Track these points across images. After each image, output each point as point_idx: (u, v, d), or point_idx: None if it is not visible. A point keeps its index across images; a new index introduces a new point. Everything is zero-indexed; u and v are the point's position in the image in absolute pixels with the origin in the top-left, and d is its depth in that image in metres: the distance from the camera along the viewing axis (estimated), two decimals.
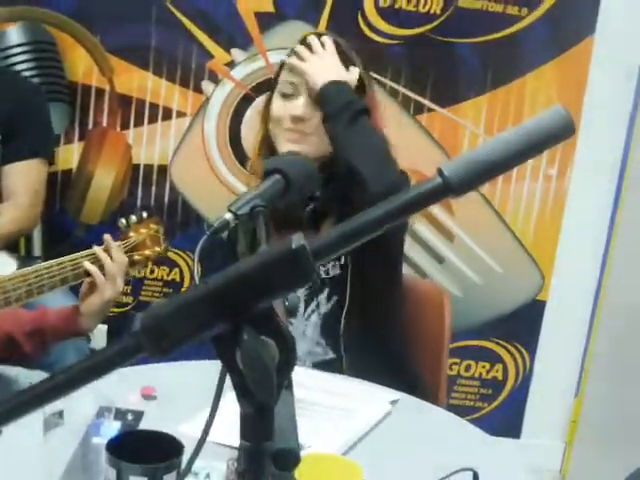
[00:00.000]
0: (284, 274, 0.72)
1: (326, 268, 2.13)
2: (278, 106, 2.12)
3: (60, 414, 1.34)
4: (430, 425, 1.79)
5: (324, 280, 2.14)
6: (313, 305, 2.15)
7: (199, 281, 1.23)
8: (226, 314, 0.72)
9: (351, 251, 0.75)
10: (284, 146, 2.10)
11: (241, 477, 0.76)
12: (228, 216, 1.51)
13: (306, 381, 1.85)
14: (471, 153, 0.78)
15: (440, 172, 0.76)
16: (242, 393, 0.73)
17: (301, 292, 2.16)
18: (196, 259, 1.35)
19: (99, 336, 3.06)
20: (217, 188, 3.15)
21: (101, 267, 1.99)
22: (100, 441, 1.41)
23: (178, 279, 3.23)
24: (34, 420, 1.35)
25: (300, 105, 2.09)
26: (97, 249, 2.01)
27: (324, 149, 2.10)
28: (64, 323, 2.02)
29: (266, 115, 2.18)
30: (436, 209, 3.24)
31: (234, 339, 0.72)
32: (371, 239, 0.74)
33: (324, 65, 2.11)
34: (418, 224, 3.23)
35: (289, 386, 0.82)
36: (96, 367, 0.72)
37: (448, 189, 0.76)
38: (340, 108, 2.04)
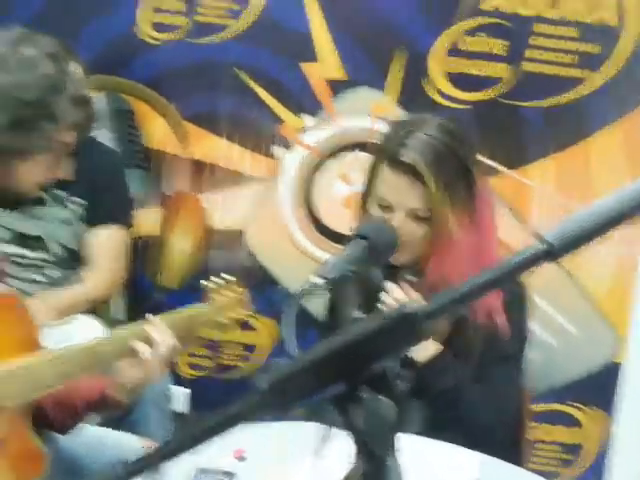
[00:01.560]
0: (397, 337, 0.76)
1: None
2: (377, 215, 2.07)
3: (158, 474, 1.38)
4: None
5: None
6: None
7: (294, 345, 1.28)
8: (344, 374, 0.77)
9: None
10: None
11: None
12: (316, 280, 1.55)
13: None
14: (569, 219, 0.82)
15: (541, 238, 0.81)
16: (360, 450, 0.78)
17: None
18: (286, 323, 1.41)
19: (181, 399, 3.13)
20: (292, 252, 3.21)
21: (150, 344, 1.96)
22: None
23: (255, 342, 3.28)
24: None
25: (397, 220, 2.02)
26: (148, 328, 1.98)
27: (417, 253, 2.08)
28: (98, 397, 1.98)
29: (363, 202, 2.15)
30: None
31: (352, 398, 0.77)
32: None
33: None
34: None
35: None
36: (224, 422, 0.77)
37: (550, 254, 0.80)
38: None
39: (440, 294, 0.79)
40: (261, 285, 3.23)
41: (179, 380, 3.22)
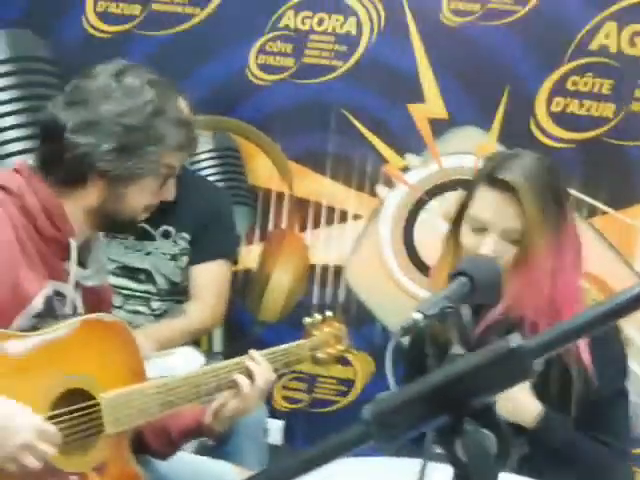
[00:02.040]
0: (503, 372, 0.77)
1: None
2: (469, 240, 2.06)
3: None
4: None
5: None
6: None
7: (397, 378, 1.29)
8: (448, 408, 0.78)
9: None
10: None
11: None
12: (417, 316, 1.55)
13: None
14: None
15: None
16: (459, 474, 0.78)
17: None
18: (389, 359, 1.41)
19: (275, 432, 3.15)
20: (391, 289, 3.22)
21: (249, 377, 2.00)
22: None
23: (352, 377, 3.29)
24: None
25: (489, 245, 2.00)
26: (250, 362, 2.02)
27: None
28: (194, 424, 2.02)
29: (454, 243, 2.12)
30: None
31: (456, 430, 0.77)
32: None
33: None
34: None
35: None
36: (331, 451, 0.79)
37: None
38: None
39: (547, 331, 0.80)
40: (359, 321, 3.24)
41: (275, 412, 3.25)
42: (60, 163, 1.85)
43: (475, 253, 2.02)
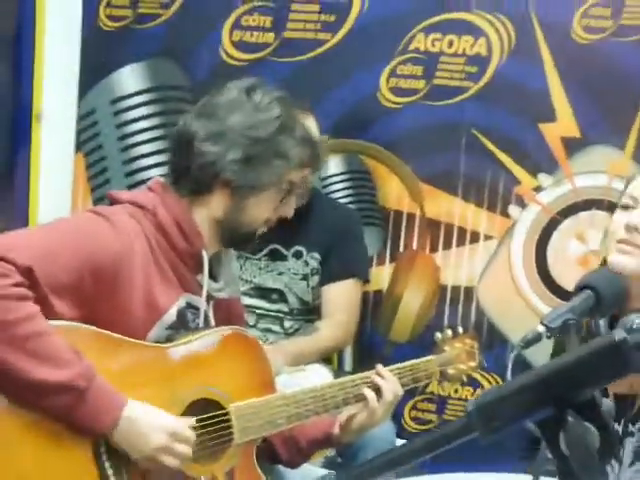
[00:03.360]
0: (606, 365, 0.77)
1: None
2: (616, 218, 2.01)
3: None
4: None
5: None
6: (629, 431, 2.08)
7: None
8: (550, 400, 0.78)
9: None
10: (613, 256, 1.96)
11: None
12: (540, 328, 1.56)
13: None
14: None
15: None
16: (565, 476, 0.78)
17: (632, 443, 2.07)
18: (509, 369, 1.42)
19: None
20: (523, 311, 3.18)
21: (377, 391, 2.05)
22: None
23: None
24: None
25: (638, 214, 1.94)
26: (377, 377, 2.07)
27: None
28: (322, 435, 2.09)
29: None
30: None
31: (558, 424, 0.78)
32: None
33: None
34: None
35: None
36: (435, 442, 0.81)
37: None
38: None
39: None
40: (490, 342, 3.21)
41: (404, 432, 3.25)
42: (188, 172, 1.94)
43: (619, 229, 1.94)
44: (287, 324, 2.90)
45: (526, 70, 3.17)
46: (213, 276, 2.03)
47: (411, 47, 3.29)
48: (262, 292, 2.91)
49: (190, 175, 1.94)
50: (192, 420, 1.82)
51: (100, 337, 1.78)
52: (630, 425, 2.05)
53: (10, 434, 1.69)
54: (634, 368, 0.76)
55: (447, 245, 3.28)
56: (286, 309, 2.90)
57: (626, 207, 2.01)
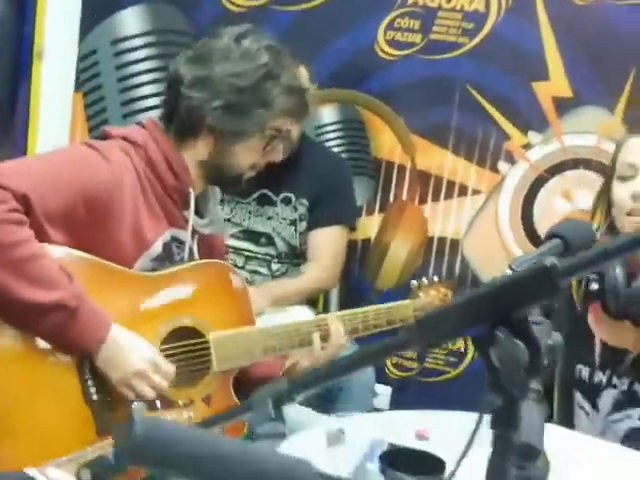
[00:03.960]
0: (536, 287, 0.84)
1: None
2: (618, 190, 2.12)
3: (341, 432, 1.50)
4: None
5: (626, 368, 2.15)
6: (624, 414, 2.16)
7: None
8: (484, 317, 0.85)
9: None
10: (626, 231, 2.09)
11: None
12: (508, 272, 1.62)
13: None
14: None
15: None
16: (494, 387, 0.85)
17: (612, 395, 2.15)
18: None
19: (383, 397, 3.25)
20: (506, 264, 3.23)
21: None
22: (374, 468, 1.55)
23: (462, 349, 3.34)
24: (319, 433, 1.53)
25: None
26: (330, 319, 2.14)
27: None
28: (271, 376, 2.14)
29: (603, 204, 2.18)
30: None
31: (491, 339, 0.84)
32: None
33: None
34: None
35: (541, 401, 0.93)
36: (375, 353, 0.87)
37: None
38: None
39: (580, 254, 0.86)
40: None
41: (385, 379, 3.34)
42: (176, 115, 2.00)
43: (625, 200, 2.07)
44: (274, 267, 2.97)
45: (522, 28, 3.21)
46: (199, 213, 2.10)
47: (410, 1, 3.32)
48: (251, 235, 2.98)
49: (178, 117, 2.01)
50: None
51: (89, 263, 1.85)
52: (615, 378, 2.13)
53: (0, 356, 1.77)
54: (559, 291, 0.83)
55: (436, 197, 3.34)
56: (274, 252, 2.97)
57: (624, 178, 2.07)
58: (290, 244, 2.97)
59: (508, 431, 0.86)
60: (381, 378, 3.23)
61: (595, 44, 3.16)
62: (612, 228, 2.14)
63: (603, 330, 2.14)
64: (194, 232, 2.07)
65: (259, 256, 2.97)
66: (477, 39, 3.26)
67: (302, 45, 3.15)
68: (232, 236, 2.96)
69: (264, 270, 2.97)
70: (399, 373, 3.33)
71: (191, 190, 2.02)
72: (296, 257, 2.99)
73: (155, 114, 2.11)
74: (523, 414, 0.86)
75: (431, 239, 3.35)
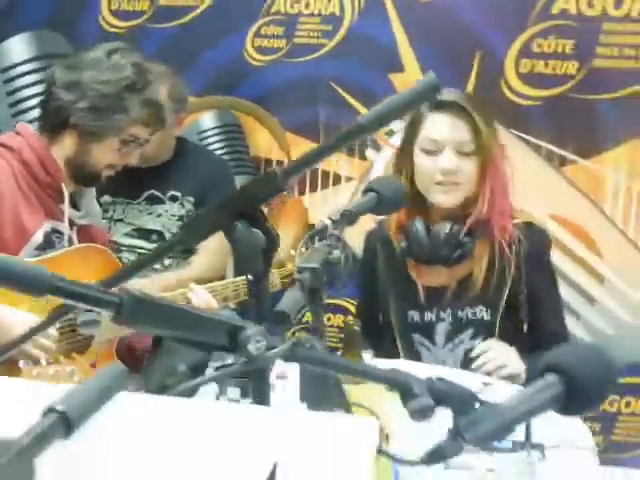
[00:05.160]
0: (263, 188, 1.12)
1: (474, 310, 2.42)
2: (423, 162, 2.35)
3: None
4: None
5: (470, 320, 2.44)
6: (457, 340, 2.45)
7: None
8: (227, 213, 1.14)
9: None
10: (436, 197, 2.34)
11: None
12: (326, 221, 1.89)
13: None
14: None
15: None
16: (238, 264, 1.14)
17: (443, 328, 2.44)
18: None
19: None
20: None
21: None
22: None
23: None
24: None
25: (448, 159, 2.29)
26: (191, 293, 2.47)
27: (470, 190, 2.34)
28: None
29: (406, 168, 2.39)
30: (586, 254, 3.48)
31: (233, 229, 1.13)
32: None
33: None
34: (568, 266, 3.48)
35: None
36: (152, 255, 1.14)
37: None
38: None
39: (299, 157, 1.15)
40: (355, 272, 3.56)
41: None
42: (48, 113, 2.29)
43: (434, 172, 2.30)
44: (166, 262, 3.21)
45: (375, 27, 3.52)
46: (76, 207, 2.37)
47: (273, 9, 3.62)
48: (142, 233, 3.22)
49: (49, 115, 2.29)
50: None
51: None
52: (441, 312, 2.42)
53: None
54: (282, 190, 1.11)
55: (313, 188, 3.63)
56: None
57: (428, 152, 2.33)
58: None
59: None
60: None
61: (442, 35, 3.48)
62: (412, 190, 2.37)
63: (422, 276, 2.43)
64: (72, 224, 2.34)
65: (149, 252, 3.21)
66: (336, 39, 3.57)
67: (178, 58, 3.46)
68: (126, 235, 3.20)
69: (156, 265, 3.21)
70: None
71: (63, 185, 2.28)
72: (186, 251, 3.23)
73: None
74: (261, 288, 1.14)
75: (312, 226, 3.61)
